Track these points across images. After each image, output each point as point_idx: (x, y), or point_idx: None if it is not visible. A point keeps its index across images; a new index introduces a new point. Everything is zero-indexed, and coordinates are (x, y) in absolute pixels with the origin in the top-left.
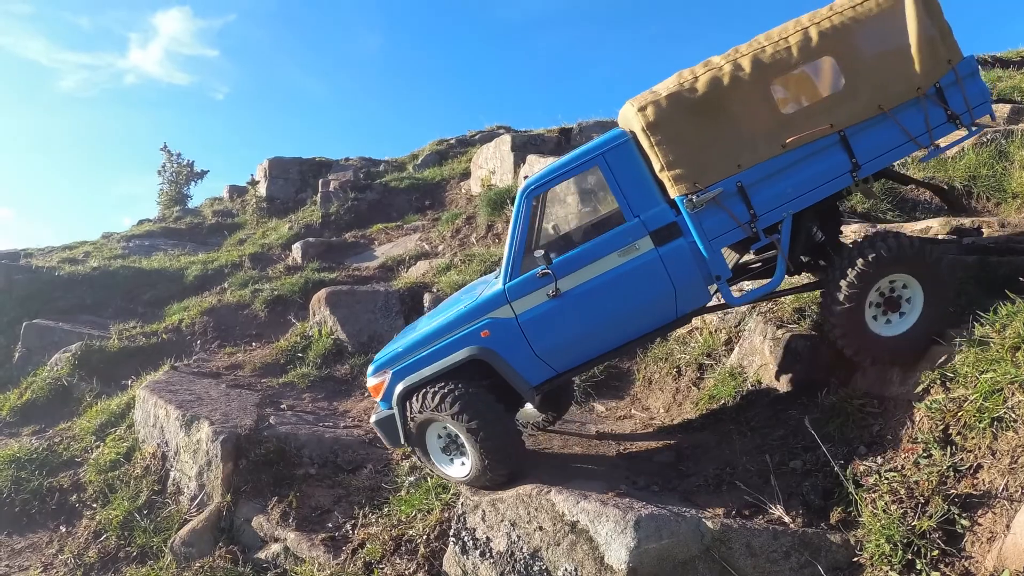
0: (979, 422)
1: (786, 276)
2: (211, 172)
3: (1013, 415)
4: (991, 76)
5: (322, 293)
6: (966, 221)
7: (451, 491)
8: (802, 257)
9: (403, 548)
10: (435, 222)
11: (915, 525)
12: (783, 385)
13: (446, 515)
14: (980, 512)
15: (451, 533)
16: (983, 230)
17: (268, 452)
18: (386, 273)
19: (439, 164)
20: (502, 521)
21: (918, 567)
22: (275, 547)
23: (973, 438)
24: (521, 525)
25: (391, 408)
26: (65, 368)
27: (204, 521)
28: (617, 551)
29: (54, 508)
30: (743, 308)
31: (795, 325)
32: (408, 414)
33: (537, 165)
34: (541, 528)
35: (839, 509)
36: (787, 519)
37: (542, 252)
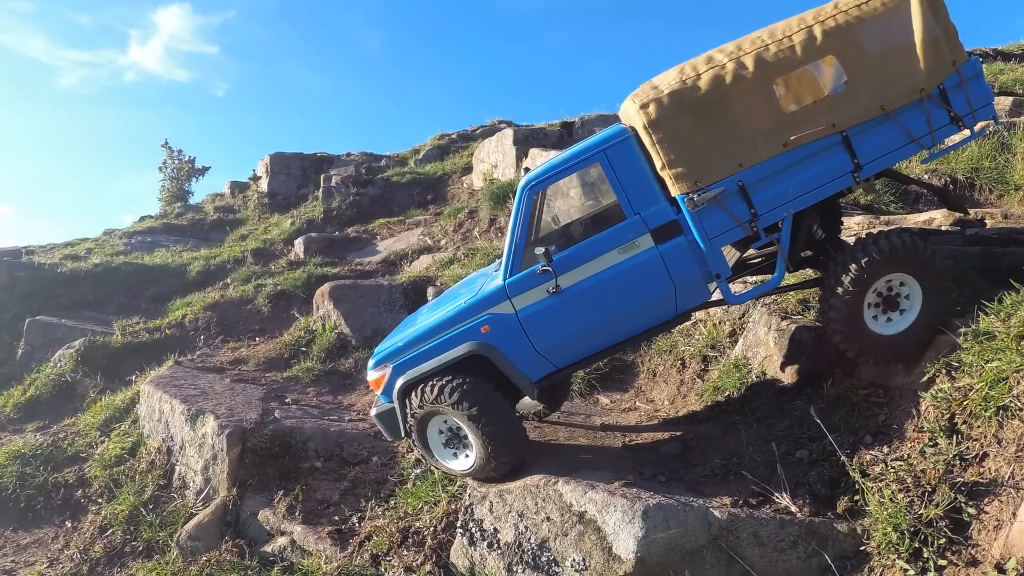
0: (985, 411)
1: (786, 273)
2: (212, 168)
3: (1018, 404)
4: (992, 69)
5: (326, 287)
6: (969, 212)
7: (457, 483)
8: (802, 253)
9: (410, 540)
10: (437, 216)
11: (922, 514)
12: (788, 376)
13: (453, 507)
14: (986, 500)
15: (458, 524)
16: (986, 221)
17: (274, 446)
18: (389, 267)
19: (440, 159)
20: (509, 512)
21: (925, 555)
22: (282, 540)
23: (979, 427)
24: (529, 516)
25: (392, 402)
26: (69, 364)
27: (210, 515)
28: (625, 541)
29: (59, 504)
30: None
31: (799, 316)
32: (409, 409)
33: (539, 159)
34: (549, 519)
35: (846, 498)
36: (794, 508)
37: (543, 249)
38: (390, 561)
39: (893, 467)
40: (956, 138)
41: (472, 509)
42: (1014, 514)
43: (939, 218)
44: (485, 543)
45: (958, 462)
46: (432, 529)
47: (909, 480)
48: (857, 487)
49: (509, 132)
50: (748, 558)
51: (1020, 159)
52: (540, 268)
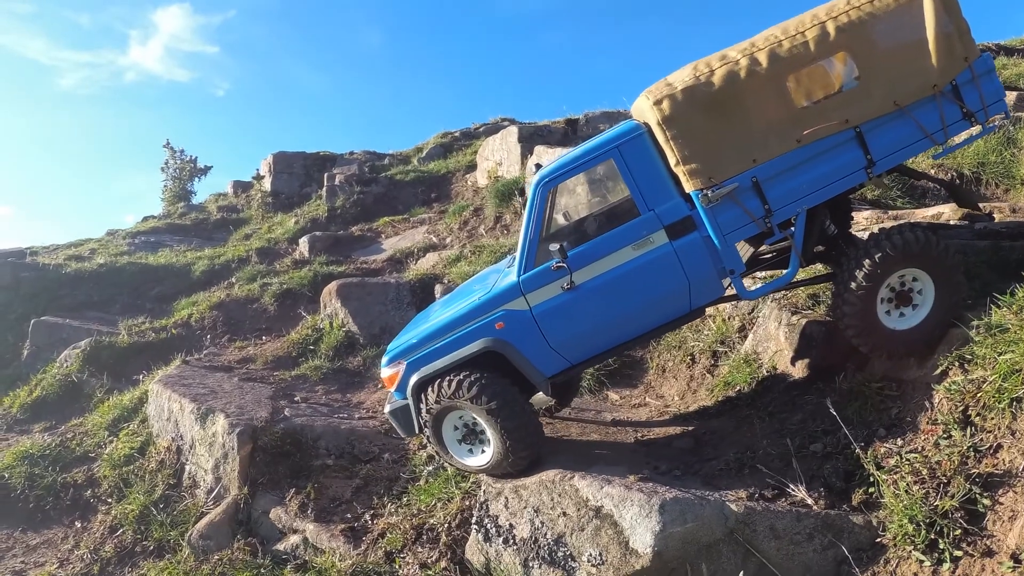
0: (998, 403)
1: (799, 268)
2: (214, 168)
3: None
4: (996, 64)
5: (333, 285)
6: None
7: (471, 479)
8: (814, 249)
9: (424, 537)
10: (442, 214)
11: (937, 505)
12: (799, 371)
13: (467, 503)
14: (1001, 491)
15: (473, 520)
16: (994, 215)
17: (284, 444)
18: (395, 266)
19: (444, 157)
20: (525, 507)
21: (941, 546)
22: (294, 538)
23: (993, 418)
24: (545, 511)
25: (405, 398)
26: (75, 364)
27: (221, 514)
28: (642, 535)
29: (68, 504)
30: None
31: (809, 311)
32: (424, 405)
33: (545, 156)
34: (565, 514)
35: (861, 491)
36: (810, 501)
37: (558, 245)
38: (404, 558)
39: (908, 459)
40: (965, 135)
41: (487, 505)
42: None
43: (947, 212)
44: (501, 539)
45: (972, 454)
46: (446, 526)
47: (924, 472)
48: (872, 479)
49: (513, 129)
50: (765, 551)
51: None
52: (555, 264)
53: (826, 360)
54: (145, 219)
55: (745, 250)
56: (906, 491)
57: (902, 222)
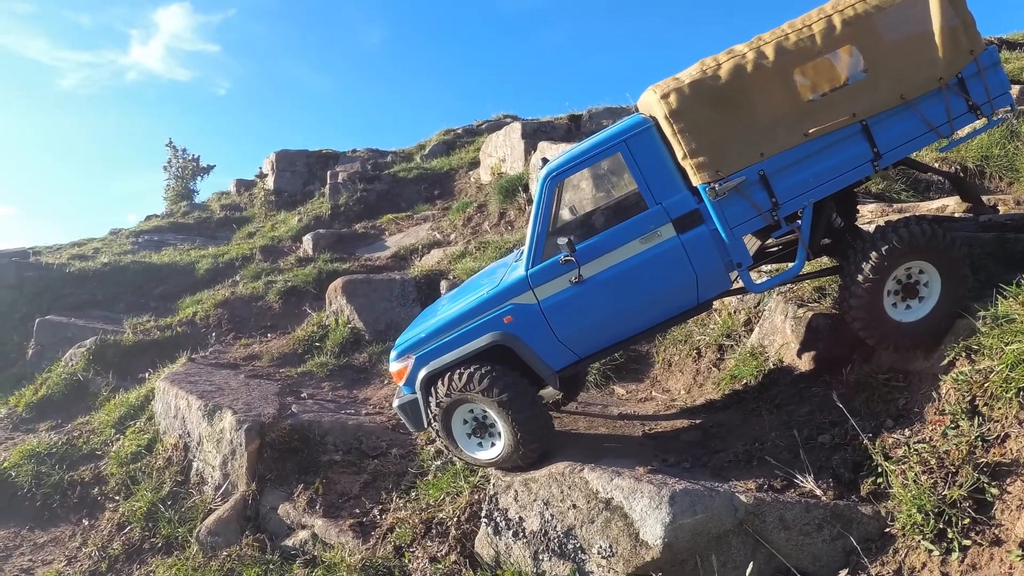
0: (1005, 392)
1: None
2: (217, 167)
3: None
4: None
5: (338, 282)
6: (982, 199)
7: (479, 473)
8: (821, 241)
9: (434, 531)
10: (445, 211)
11: (945, 495)
12: (805, 363)
13: (476, 497)
14: (1009, 480)
15: (483, 514)
16: (999, 208)
17: (292, 440)
18: (399, 262)
19: (447, 154)
20: (535, 500)
21: (949, 536)
22: (303, 534)
23: (1000, 408)
24: (554, 504)
25: (414, 392)
26: (80, 363)
27: (229, 510)
28: (652, 527)
29: (76, 502)
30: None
31: (815, 304)
32: (434, 399)
33: (549, 152)
34: (575, 506)
35: (869, 481)
36: (819, 492)
37: (566, 239)
38: (414, 552)
39: (916, 449)
40: (969, 128)
41: (496, 498)
42: None
43: (952, 205)
44: (510, 532)
45: (980, 443)
46: (455, 520)
47: (932, 462)
48: (880, 470)
49: (517, 126)
50: (774, 542)
51: None
52: (563, 258)
53: (832, 352)
54: (148, 218)
55: (752, 243)
56: (914, 481)
57: (908, 215)
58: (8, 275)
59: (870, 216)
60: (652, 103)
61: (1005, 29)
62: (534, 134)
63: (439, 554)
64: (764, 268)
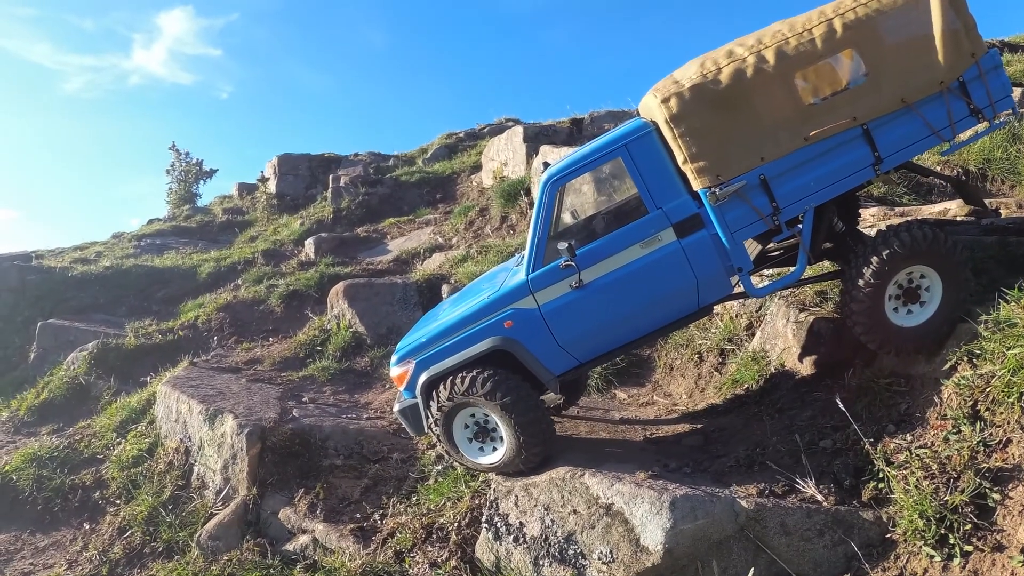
0: (1007, 397)
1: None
2: (219, 171)
3: None
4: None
5: (340, 286)
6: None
7: (480, 479)
8: (822, 245)
9: (434, 536)
10: (447, 215)
11: (947, 500)
12: (807, 367)
13: (476, 502)
14: (1011, 486)
15: (483, 519)
16: (1001, 211)
17: (293, 444)
18: (401, 266)
19: (449, 157)
20: (535, 506)
21: (951, 541)
22: (303, 539)
23: (1002, 413)
24: (555, 509)
25: (415, 397)
26: (82, 367)
27: (230, 514)
28: (653, 532)
29: (77, 505)
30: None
31: (817, 308)
32: (435, 403)
33: (551, 155)
34: (575, 511)
35: (871, 486)
36: (820, 497)
37: (566, 244)
38: (414, 557)
39: (917, 454)
40: (971, 131)
41: (497, 503)
42: None
43: (954, 208)
44: (511, 537)
45: (982, 448)
46: (456, 524)
47: (934, 467)
48: (882, 475)
49: (519, 130)
50: (775, 547)
51: None
52: (563, 263)
53: (834, 356)
54: (150, 222)
55: (753, 248)
56: (916, 486)
57: (909, 219)
58: (10, 278)
59: (872, 220)
60: (652, 107)
61: (1008, 32)
62: (536, 137)
63: (440, 559)
64: (766, 272)
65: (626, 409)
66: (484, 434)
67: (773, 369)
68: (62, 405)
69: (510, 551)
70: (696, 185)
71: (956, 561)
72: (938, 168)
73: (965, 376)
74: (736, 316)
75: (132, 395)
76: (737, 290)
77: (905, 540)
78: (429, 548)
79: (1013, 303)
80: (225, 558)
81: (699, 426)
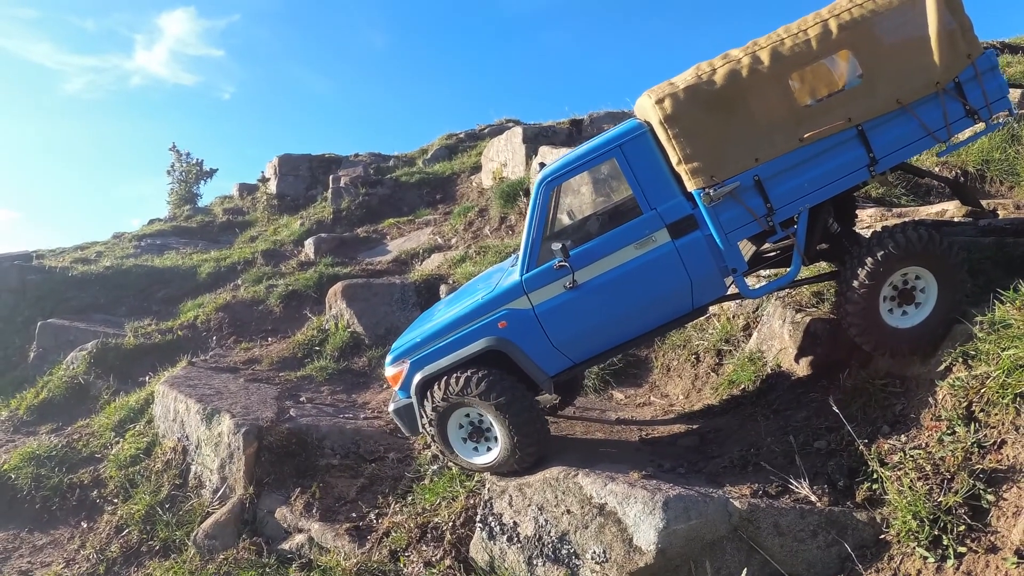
0: (1002, 398)
1: (802, 266)
2: (220, 171)
3: None
4: (1000, 62)
5: (338, 287)
6: (982, 204)
7: (475, 478)
8: (817, 247)
9: (429, 535)
10: (447, 216)
11: (941, 501)
12: (803, 368)
13: (471, 502)
14: (1005, 487)
15: (477, 519)
16: (999, 212)
17: (290, 443)
18: (400, 267)
19: (449, 158)
20: (529, 505)
21: (944, 543)
22: (299, 538)
23: (996, 414)
24: (548, 509)
25: (409, 397)
26: (81, 366)
27: (227, 513)
28: (646, 532)
29: (75, 504)
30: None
31: (814, 309)
32: (430, 403)
33: (550, 156)
34: (569, 511)
35: (864, 487)
36: (813, 498)
37: (560, 245)
38: (409, 557)
39: (911, 456)
40: (969, 132)
41: (491, 503)
42: None
43: (951, 209)
44: (505, 537)
45: (976, 449)
46: (451, 524)
47: (928, 468)
48: (876, 476)
49: (518, 130)
50: (768, 548)
51: None
52: (557, 263)
53: (830, 357)
54: (151, 222)
55: (747, 248)
56: (910, 487)
57: (905, 220)
58: (11, 279)
59: (869, 221)
60: (647, 108)
61: (1008, 33)
62: (535, 138)
63: (434, 558)
64: (763, 273)
65: (623, 410)
66: (478, 434)
67: (769, 370)
68: (61, 404)
69: (504, 551)
70: (690, 186)
71: (950, 563)
72: (936, 169)
73: (960, 377)
74: (733, 317)
75: (131, 395)
76: (732, 291)
77: (899, 541)
78: (424, 547)
79: (1008, 304)
80: (221, 557)
81: (695, 426)
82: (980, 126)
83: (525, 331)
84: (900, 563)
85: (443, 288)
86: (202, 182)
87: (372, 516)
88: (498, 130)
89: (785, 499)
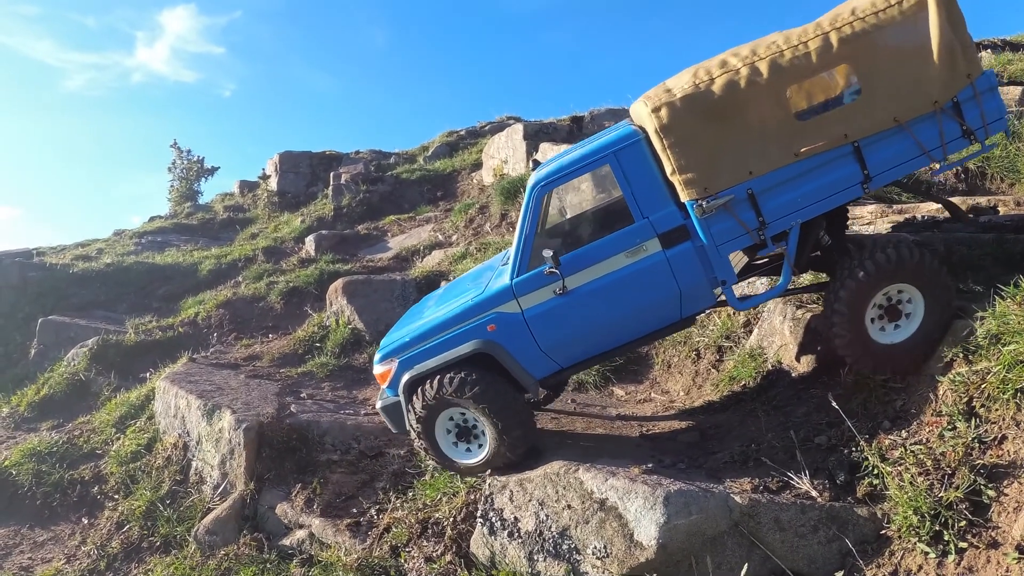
0: (1003, 393)
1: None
2: (221, 169)
3: None
4: (1001, 59)
5: (339, 283)
6: (982, 200)
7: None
8: (808, 257)
9: (430, 531)
10: (448, 212)
11: (942, 496)
12: (804, 365)
13: (472, 497)
14: (1006, 482)
15: (478, 514)
16: (999, 208)
17: (291, 439)
18: (401, 263)
19: (450, 155)
20: (530, 500)
21: (945, 538)
22: (300, 533)
23: (997, 410)
24: (549, 504)
25: (398, 395)
26: (82, 363)
27: (228, 509)
28: (647, 527)
29: (76, 500)
30: (761, 289)
31: (814, 305)
32: (418, 402)
33: (550, 153)
34: (570, 506)
35: (865, 483)
36: (814, 493)
37: (551, 252)
38: (410, 552)
39: (912, 451)
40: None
41: (492, 499)
42: None
43: None
44: (505, 532)
45: (977, 445)
46: (451, 520)
47: (929, 463)
48: (876, 471)
49: (519, 127)
50: (769, 543)
51: None
52: (547, 269)
53: (831, 353)
54: (152, 219)
55: (739, 258)
56: (911, 483)
57: (892, 235)
58: (12, 275)
59: (870, 217)
60: (643, 116)
61: (1008, 31)
62: (536, 135)
63: (435, 554)
64: (757, 282)
65: (623, 406)
66: (467, 434)
67: (770, 366)
68: (62, 401)
69: (504, 546)
70: (684, 197)
71: (951, 558)
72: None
73: (961, 372)
74: (734, 313)
75: (131, 391)
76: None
77: (900, 536)
78: (424, 543)
79: (1009, 299)
80: (222, 552)
81: (695, 422)
82: (975, 147)
83: (513, 335)
84: (901, 558)
85: (443, 284)
86: (203, 179)
87: (373, 512)
88: (499, 127)
89: (786, 494)
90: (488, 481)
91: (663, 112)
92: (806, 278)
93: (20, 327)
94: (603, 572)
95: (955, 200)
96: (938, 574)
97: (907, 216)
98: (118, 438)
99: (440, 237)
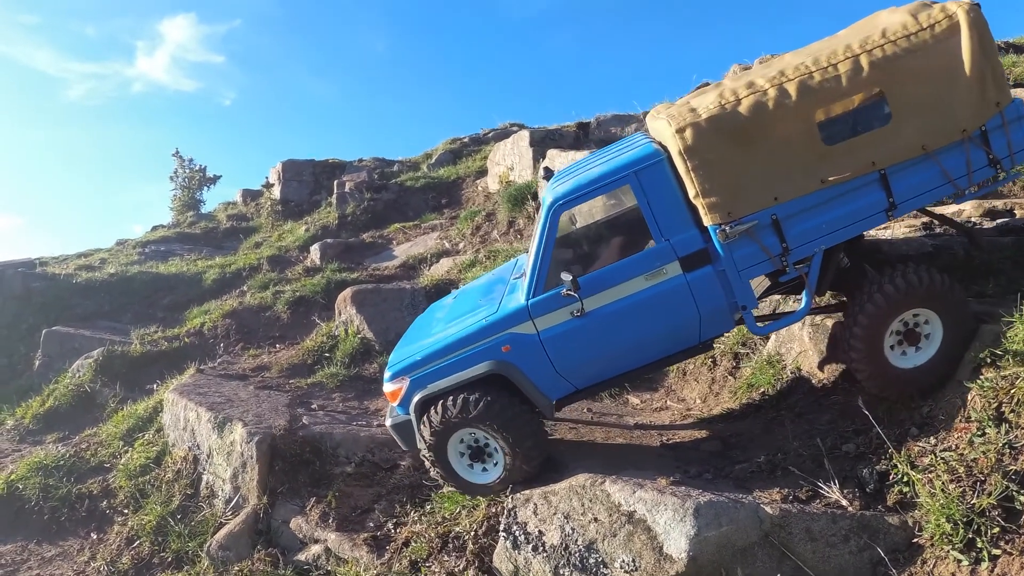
0: None
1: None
2: (223, 177)
3: None
4: (1006, 62)
5: (348, 292)
6: (998, 203)
7: None
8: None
9: (450, 545)
10: (453, 220)
11: (974, 503)
12: (825, 372)
13: (493, 510)
14: None
15: (501, 528)
16: (1015, 211)
17: (304, 452)
18: (407, 272)
19: (454, 163)
20: (555, 514)
21: (979, 545)
22: (316, 548)
23: None
24: (575, 517)
25: (408, 414)
26: (87, 374)
27: (241, 524)
28: (677, 540)
29: (84, 515)
30: (778, 296)
31: (835, 311)
32: (430, 424)
33: (559, 159)
34: (596, 520)
35: (895, 490)
36: (844, 502)
37: (570, 276)
38: (430, 567)
39: (942, 458)
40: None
41: (515, 512)
42: None
43: (968, 209)
44: (530, 546)
45: (1008, 451)
46: (473, 533)
47: (960, 470)
48: (906, 479)
49: (525, 134)
50: (800, 554)
51: None
52: (565, 291)
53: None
54: (155, 228)
55: (761, 280)
56: (942, 490)
57: (910, 259)
58: (15, 286)
59: (890, 231)
60: (666, 135)
61: (1013, 33)
62: (542, 142)
63: (456, 569)
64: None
65: (640, 414)
66: (479, 454)
67: (789, 373)
68: (67, 413)
69: (529, 560)
70: (707, 221)
71: (984, 565)
72: None
73: (989, 378)
74: None
75: (138, 403)
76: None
77: (932, 544)
78: (445, 558)
79: None
80: (236, 568)
81: (716, 431)
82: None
83: (529, 356)
84: (934, 566)
85: (452, 293)
86: (205, 188)
87: (390, 525)
88: (503, 134)
89: (816, 504)
90: (511, 495)
91: (688, 133)
92: (824, 296)
93: (24, 338)
94: None
95: (971, 203)
96: None
97: (923, 219)
98: (126, 451)
99: (447, 245)
